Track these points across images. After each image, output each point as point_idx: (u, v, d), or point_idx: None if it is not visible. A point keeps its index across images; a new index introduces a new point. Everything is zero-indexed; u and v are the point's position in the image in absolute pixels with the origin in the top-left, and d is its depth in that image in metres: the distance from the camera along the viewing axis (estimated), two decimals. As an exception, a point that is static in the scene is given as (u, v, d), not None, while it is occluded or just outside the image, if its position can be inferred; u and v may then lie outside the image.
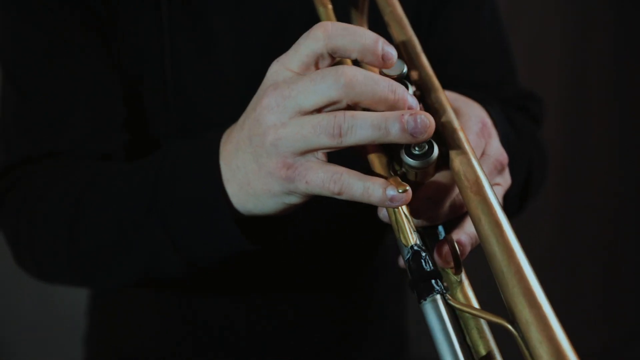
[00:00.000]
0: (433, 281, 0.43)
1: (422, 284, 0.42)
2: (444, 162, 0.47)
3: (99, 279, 0.68)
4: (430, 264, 0.44)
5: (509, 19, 0.88)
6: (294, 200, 0.49)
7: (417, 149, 0.46)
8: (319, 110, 0.46)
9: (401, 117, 0.44)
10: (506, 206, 0.55)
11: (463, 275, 0.48)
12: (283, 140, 0.46)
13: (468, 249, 0.49)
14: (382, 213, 0.49)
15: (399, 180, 0.45)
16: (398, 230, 0.45)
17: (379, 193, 0.44)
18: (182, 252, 0.58)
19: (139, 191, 0.59)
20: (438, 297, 0.42)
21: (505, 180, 0.56)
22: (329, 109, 0.46)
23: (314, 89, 0.45)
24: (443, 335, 0.41)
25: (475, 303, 0.48)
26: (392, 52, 0.47)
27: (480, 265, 0.52)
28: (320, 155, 0.47)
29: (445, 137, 0.48)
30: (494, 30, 0.85)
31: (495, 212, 0.43)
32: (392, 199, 0.44)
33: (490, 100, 0.64)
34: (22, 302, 1.59)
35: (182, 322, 0.86)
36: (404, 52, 0.54)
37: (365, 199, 0.45)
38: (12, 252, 0.73)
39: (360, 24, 0.65)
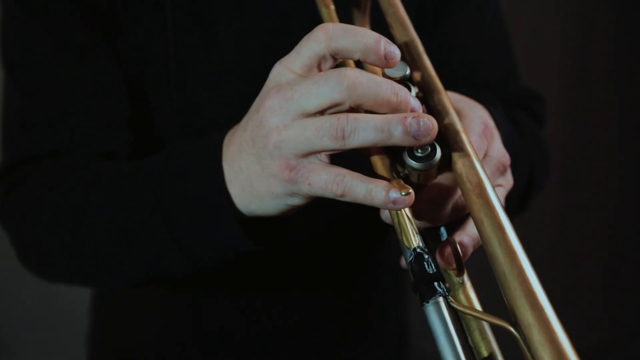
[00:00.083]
0: (435, 283, 0.43)
1: (425, 286, 0.43)
2: (446, 164, 0.47)
3: (102, 278, 0.68)
4: (433, 267, 0.44)
5: (509, 19, 0.88)
6: (296, 201, 0.49)
7: (419, 151, 0.46)
8: (321, 112, 0.46)
9: (404, 119, 0.44)
10: (508, 206, 0.55)
11: (465, 277, 0.48)
12: (286, 143, 0.46)
13: (470, 250, 0.49)
14: (385, 215, 0.49)
15: (402, 182, 0.45)
16: (400, 232, 0.46)
17: (381, 195, 0.44)
18: (185, 252, 0.58)
19: (142, 191, 0.59)
20: (440, 299, 0.42)
21: (508, 181, 0.56)
22: (331, 110, 0.46)
23: (316, 91, 0.45)
24: (445, 338, 0.41)
25: (477, 304, 0.48)
26: (395, 51, 0.46)
27: (481, 266, 0.52)
28: (323, 157, 0.47)
29: (447, 139, 0.48)
30: (497, 30, 0.85)
31: (497, 214, 0.43)
32: (394, 202, 0.44)
33: (493, 101, 0.64)
34: (24, 301, 1.59)
35: (184, 321, 0.86)
36: (407, 54, 0.54)
37: (368, 201, 0.45)
38: (16, 251, 0.73)
39: (363, 25, 0.65)
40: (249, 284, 0.84)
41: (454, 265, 0.48)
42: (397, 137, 0.44)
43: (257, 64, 0.75)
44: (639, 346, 2.26)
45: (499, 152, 0.54)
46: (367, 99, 0.45)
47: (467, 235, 0.49)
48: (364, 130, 0.44)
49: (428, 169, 0.46)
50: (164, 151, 0.60)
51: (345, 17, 0.63)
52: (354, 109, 0.47)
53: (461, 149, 0.47)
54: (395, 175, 0.47)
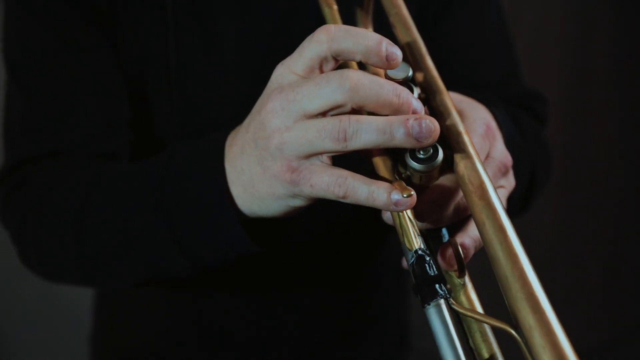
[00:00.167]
0: (437, 286, 0.43)
1: (426, 288, 0.43)
2: (448, 165, 0.47)
3: (104, 278, 0.68)
4: (435, 269, 0.44)
5: (509, 19, 0.88)
6: (298, 203, 0.49)
7: (421, 152, 0.46)
8: (323, 113, 0.46)
9: (406, 121, 0.44)
10: (510, 207, 0.55)
11: (466, 278, 0.48)
12: (288, 144, 0.46)
13: (472, 252, 0.49)
14: (386, 216, 0.49)
15: (404, 184, 0.45)
16: (402, 234, 0.46)
17: (383, 197, 0.44)
18: (186, 252, 0.58)
19: (144, 192, 0.59)
20: (442, 301, 0.42)
21: (509, 182, 0.56)
22: (333, 112, 0.46)
23: (318, 92, 0.45)
24: (446, 340, 0.41)
25: (478, 306, 0.48)
26: (397, 52, 0.46)
27: (483, 267, 0.52)
28: (325, 158, 0.47)
29: (450, 140, 0.48)
30: (499, 30, 0.85)
31: (499, 216, 0.43)
32: (396, 203, 0.44)
33: (495, 101, 0.64)
34: (25, 301, 1.59)
35: (185, 321, 0.86)
36: (409, 54, 0.54)
37: (369, 202, 0.45)
38: (18, 251, 0.73)
39: (366, 25, 0.65)
40: (250, 284, 0.84)
41: (456, 267, 0.47)
42: (399, 139, 0.44)
43: (257, 64, 0.75)
44: (639, 346, 2.26)
45: (501, 153, 0.54)
46: (369, 101, 0.45)
47: (469, 236, 0.49)
48: (366, 132, 0.44)
49: (430, 170, 0.46)
50: (166, 151, 0.60)
51: (348, 17, 0.63)
52: (356, 111, 0.46)
53: (463, 150, 0.47)
54: (397, 177, 0.47)
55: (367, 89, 0.45)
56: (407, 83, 0.50)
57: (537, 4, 2.04)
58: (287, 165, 0.46)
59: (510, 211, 0.52)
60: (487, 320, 0.42)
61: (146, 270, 0.62)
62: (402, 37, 0.55)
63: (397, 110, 0.46)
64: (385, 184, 0.45)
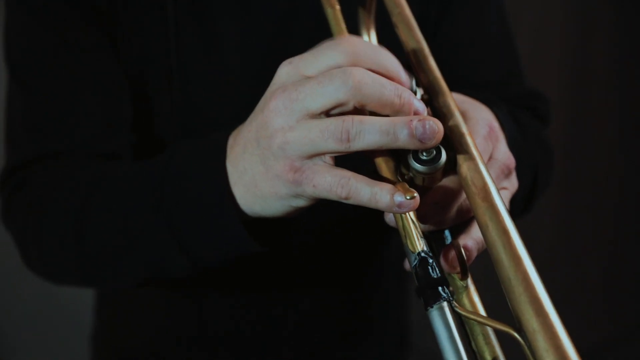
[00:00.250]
0: (440, 288, 0.42)
1: (429, 291, 0.42)
2: (451, 166, 0.47)
3: (105, 279, 0.68)
4: (437, 271, 0.43)
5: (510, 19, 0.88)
6: (301, 203, 0.49)
7: (424, 154, 0.46)
8: (327, 112, 0.46)
9: (410, 122, 0.44)
10: (512, 209, 0.55)
11: (469, 281, 0.48)
12: (291, 144, 0.45)
13: (474, 254, 0.49)
14: (389, 218, 0.49)
15: (407, 186, 0.45)
16: (405, 236, 0.45)
17: (386, 199, 0.44)
18: (188, 252, 0.57)
19: (145, 192, 0.59)
20: (445, 304, 0.42)
21: (512, 184, 0.56)
22: (336, 111, 0.46)
23: (321, 91, 0.45)
24: (449, 343, 0.41)
25: (481, 308, 0.48)
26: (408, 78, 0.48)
27: (486, 269, 0.52)
28: (328, 158, 0.47)
29: (453, 141, 0.48)
30: (500, 30, 0.85)
31: (502, 219, 0.43)
32: (399, 205, 0.44)
33: (497, 101, 0.64)
34: (27, 300, 1.59)
35: (186, 321, 0.86)
36: (412, 55, 0.53)
37: (372, 204, 0.45)
38: (20, 252, 0.73)
39: (368, 25, 0.65)
40: (250, 284, 0.84)
41: (458, 269, 0.47)
42: (403, 140, 0.44)
43: (258, 65, 0.75)
44: (639, 346, 2.26)
45: (504, 154, 0.54)
46: (371, 100, 0.45)
47: (472, 238, 0.49)
48: (369, 133, 0.44)
49: (433, 172, 0.46)
50: (167, 151, 0.60)
51: (351, 17, 0.62)
52: (358, 110, 0.46)
53: (466, 151, 0.47)
54: (399, 178, 0.47)
55: (370, 88, 0.44)
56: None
57: (537, 4, 2.03)
58: (290, 165, 0.46)
59: (512, 213, 0.52)
60: (490, 323, 0.42)
61: (147, 270, 0.62)
62: (405, 38, 0.55)
63: (398, 110, 0.46)
64: (388, 186, 0.44)
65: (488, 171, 0.46)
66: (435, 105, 0.50)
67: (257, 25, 0.75)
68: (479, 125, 0.53)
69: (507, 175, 0.54)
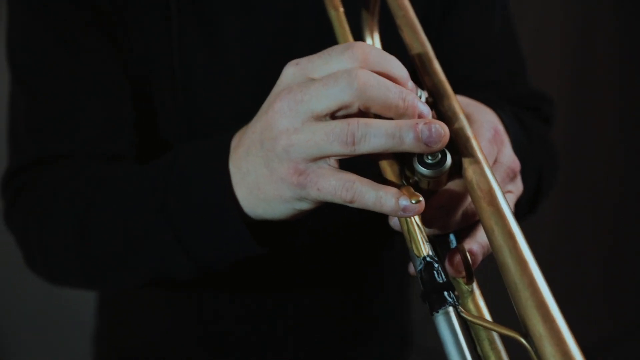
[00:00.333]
0: (445, 293, 0.42)
1: (435, 295, 0.42)
2: (456, 170, 0.47)
3: (109, 281, 0.68)
4: (443, 276, 0.43)
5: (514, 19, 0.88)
6: (305, 206, 0.49)
7: (430, 157, 0.45)
8: (332, 114, 0.45)
9: (415, 126, 0.43)
10: (517, 212, 0.55)
11: (474, 285, 0.48)
12: (295, 147, 0.45)
13: (480, 258, 0.49)
14: (394, 222, 0.49)
15: (412, 190, 0.44)
16: (410, 240, 0.45)
17: (391, 203, 0.44)
18: (191, 254, 0.57)
19: (148, 194, 0.58)
20: (450, 309, 0.42)
21: (517, 187, 0.56)
22: (341, 113, 0.45)
23: (326, 92, 0.44)
24: (455, 348, 0.41)
25: (486, 313, 0.47)
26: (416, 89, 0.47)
27: (492, 273, 0.52)
28: (333, 161, 0.46)
29: (458, 145, 0.47)
30: (505, 30, 0.85)
31: (508, 222, 0.42)
32: (404, 209, 0.44)
33: (501, 103, 0.64)
34: (28, 300, 1.58)
35: (188, 321, 0.86)
36: (417, 58, 0.53)
37: (377, 208, 0.45)
38: (23, 253, 0.73)
39: (371, 27, 0.64)
40: (251, 285, 0.83)
41: (464, 274, 0.47)
42: (408, 143, 0.44)
43: (261, 64, 0.74)
44: (639, 344, 2.26)
45: (509, 158, 0.54)
46: (376, 102, 0.44)
47: (477, 242, 0.49)
48: (375, 136, 0.44)
49: (438, 175, 0.46)
50: (170, 152, 0.60)
51: (354, 19, 0.62)
52: (363, 113, 0.46)
53: (472, 155, 0.46)
54: (404, 181, 0.47)
55: (375, 90, 0.44)
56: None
57: (537, 4, 2.03)
58: (294, 167, 0.46)
59: (517, 215, 0.52)
60: (497, 329, 0.42)
61: (150, 272, 0.62)
62: (409, 41, 0.54)
63: (402, 114, 0.45)
64: (394, 190, 0.44)
65: (494, 175, 0.46)
66: (440, 109, 0.50)
67: (259, 25, 0.75)
68: (484, 128, 0.52)
69: (512, 178, 0.54)
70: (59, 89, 0.72)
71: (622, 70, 2.21)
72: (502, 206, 0.43)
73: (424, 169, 0.45)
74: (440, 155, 0.46)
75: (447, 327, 0.41)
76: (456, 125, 0.48)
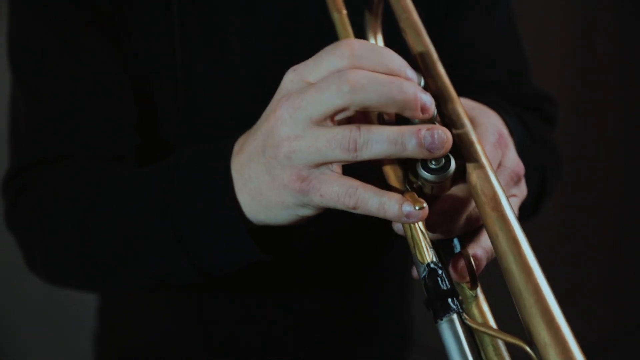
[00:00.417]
0: (449, 300, 0.42)
1: (439, 303, 0.42)
2: (460, 175, 0.46)
3: (109, 284, 0.67)
4: (447, 282, 0.43)
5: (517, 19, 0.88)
6: (307, 212, 0.48)
7: (433, 162, 0.45)
8: (331, 118, 0.45)
9: (418, 132, 0.43)
10: (521, 214, 0.54)
11: (479, 290, 0.47)
12: (297, 153, 0.45)
13: (484, 263, 0.48)
14: (397, 226, 0.48)
15: (416, 196, 0.44)
16: (414, 246, 0.45)
17: (395, 209, 0.43)
18: (193, 260, 0.57)
19: (150, 198, 0.58)
20: (454, 316, 0.41)
21: (521, 191, 0.55)
22: (340, 116, 0.45)
23: (320, 98, 0.44)
24: (459, 356, 0.40)
25: (490, 318, 0.47)
26: (417, 78, 0.46)
27: (497, 277, 0.51)
28: (335, 167, 0.46)
29: (462, 149, 0.47)
30: (508, 30, 0.84)
31: (512, 228, 0.42)
32: (408, 216, 0.43)
33: (505, 104, 0.64)
34: (29, 300, 1.58)
35: (189, 322, 0.85)
36: (420, 61, 0.53)
37: (380, 214, 0.44)
38: (23, 255, 0.72)
39: (375, 28, 0.64)
40: (252, 285, 0.83)
41: (468, 279, 0.47)
42: (411, 149, 0.43)
43: (262, 65, 0.74)
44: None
45: (513, 161, 0.53)
46: (371, 101, 0.44)
47: (481, 247, 0.48)
48: (377, 143, 0.43)
49: (442, 180, 0.45)
50: (173, 157, 0.59)
51: (358, 21, 0.62)
52: (365, 113, 0.46)
53: (476, 160, 0.46)
54: (408, 186, 0.46)
55: (367, 90, 0.43)
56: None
57: (537, 3, 2.03)
58: (297, 174, 0.46)
59: (521, 218, 0.51)
60: (501, 336, 0.41)
61: (152, 276, 0.62)
62: (413, 44, 0.54)
63: (403, 107, 0.44)
64: (397, 196, 0.44)
65: (498, 180, 0.45)
66: (444, 112, 0.50)
67: (260, 25, 0.74)
68: (488, 132, 0.52)
69: (516, 182, 0.53)
70: (59, 89, 0.71)
71: (623, 70, 2.21)
72: (507, 212, 0.43)
73: (427, 174, 0.45)
74: (444, 160, 0.45)
75: (451, 334, 0.41)
76: (460, 129, 0.48)
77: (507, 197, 0.44)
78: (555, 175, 0.79)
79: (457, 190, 0.48)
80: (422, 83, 0.49)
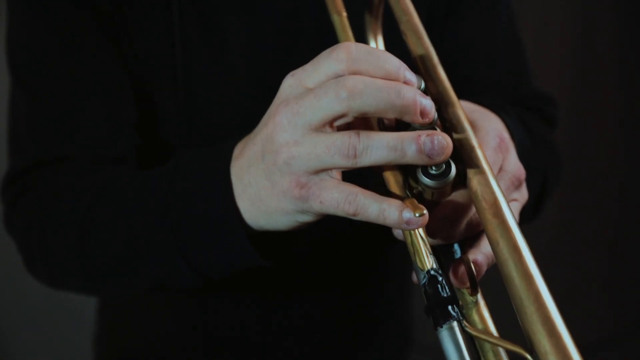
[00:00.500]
0: (449, 307, 0.42)
1: (439, 310, 0.41)
2: (461, 180, 0.46)
3: (111, 288, 0.67)
4: (447, 289, 0.43)
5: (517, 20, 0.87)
6: (307, 218, 0.48)
7: (434, 168, 0.45)
8: (330, 124, 0.45)
9: (418, 138, 0.43)
10: (521, 218, 0.54)
11: (479, 296, 0.47)
12: (296, 159, 0.44)
13: (484, 269, 0.48)
14: (397, 232, 0.48)
15: (416, 202, 0.44)
16: (414, 252, 0.44)
17: (394, 216, 0.43)
18: (193, 264, 0.57)
19: (150, 203, 0.58)
20: (455, 324, 0.41)
21: (522, 195, 0.55)
22: (340, 121, 0.45)
23: (319, 104, 0.43)
24: (459, 364, 0.40)
25: (491, 324, 0.47)
26: (417, 81, 0.46)
27: (497, 283, 0.51)
28: (335, 173, 0.46)
29: (462, 154, 0.47)
30: (509, 30, 0.84)
31: (513, 235, 0.42)
32: (408, 222, 0.43)
33: (505, 106, 0.63)
34: (29, 300, 1.58)
35: (189, 324, 0.85)
36: (421, 65, 0.52)
37: (380, 221, 0.44)
38: (23, 257, 0.72)
39: (375, 31, 0.64)
40: (253, 286, 0.83)
41: (468, 285, 0.46)
42: (411, 156, 0.43)
43: (263, 65, 0.74)
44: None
45: (514, 166, 0.53)
46: (369, 107, 0.43)
47: (481, 253, 0.48)
48: (377, 149, 0.43)
49: (442, 186, 0.45)
50: (173, 161, 0.59)
51: (358, 23, 0.61)
52: (365, 119, 0.45)
53: (476, 165, 0.46)
54: (408, 192, 0.46)
55: (365, 95, 0.43)
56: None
57: (537, 4, 2.03)
58: (296, 180, 0.45)
59: (521, 221, 0.51)
60: (501, 344, 0.41)
61: (151, 280, 0.62)
62: (414, 47, 0.53)
63: (403, 112, 0.44)
64: (397, 202, 0.44)
65: (499, 185, 0.45)
66: (444, 117, 0.49)
67: (260, 25, 0.74)
68: (489, 136, 0.52)
69: (517, 186, 0.53)
70: (59, 90, 0.71)
71: (623, 70, 2.21)
72: (507, 218, 0.43)
73: (427, 179, 0.45)
74: (444, 166, 0.45)
75: (452, 342, 0.41)
76: (461, 134, 0.48)
77: (508, 203, 0.44)
78: (555, 176, 0.79)
79: (457, 195, 0.48)
80: (423, 86, 0.48)
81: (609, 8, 2.14)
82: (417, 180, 0.46)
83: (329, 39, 0.56)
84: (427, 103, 0.44)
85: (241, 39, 0.74)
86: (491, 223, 0.43)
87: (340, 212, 0.45)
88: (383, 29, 0.65)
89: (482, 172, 0.45)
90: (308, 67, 0.46)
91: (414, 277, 0.46)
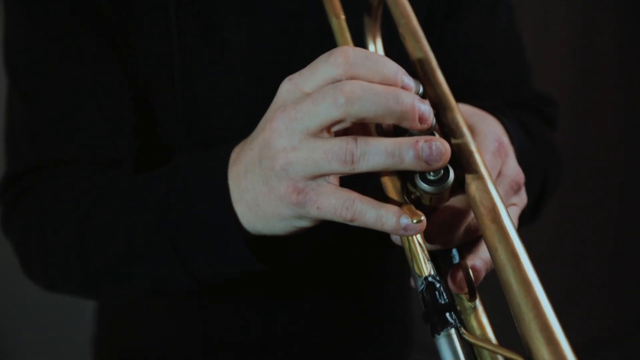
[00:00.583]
0: (447, 314, 0.41)
1: (436, 317, 0.41)
2: (459, 185, 0.46)
3: (109, 291, 0.67)
4: (445, 296, 0.42)
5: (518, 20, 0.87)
6: (304, 224, 0.48)
7: (432, 174, 0.44)
8: (328, 129, 0.44)
9: (415, 144, 0.42)
10: (521, 222, 0.54)
11: (477, 302, 0.47)
12: (294, 165, 0.44)
13: (483, 274, 0.48)
14: (395, 238, 0.48)
15: (414, 208, 0.43)
16: (411, 258, 0.44)
17: (392, 222, 0.43)
18: (191, 269, 0.57)
19: (149, 208, 0.58)
20: (452, 331, 0.41)
21: (522, 199, 0.54)
22: (337, 127, 0.45)
23: (316, 110, 0.43)
24: (457, 371, 0.40)
25: (489, 330, 0.46)
26: (415, 86, 0.46)
27: (496, 288, 0.51)
28: (332, 179, 0.46)
29: (461, 159, 0.46)
30: (509, 31, 0.84)
31: (512, 241, 0.42)
32: (405, 228, 0.43)
33: (504, 108, 0.63)
34: (27, 300, 1.58)
35: (189, 325, 0.85)
36: (420, 68, 0.52)
37: (378, 227, 0.44)
38: (20, 261, 0.72)
39: (373, 33, 0.63)
40: (253, 287, 0.83)
41: (466, 290, 0.46)
42: (409, 162, 0.43)
43: (262, 66, 0.74)
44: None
45: (513, 170, 0.53)
46: (367, 113, 0.43)
47: (480, 258, 0.48)
48: (374, 155, 0.43)
49: (440, 192, 0.45)
50: (171, 165, 0.59)
51: (356, 26, 0.61)
52: (363, 125, 0.45)
53: (475, 170, 0.45)
54: (406, 197, 0.46)
55: (363, 101, 0.42)
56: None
57: (537, 4, 2.02)
58: (293, 186, 0.45)
59: (521, 223, 0.51)
60: (500, 351, 0.41)
61: (148, 284, 0.62)
62: (412, 50, 0.53)
63: (401, 118, 0.43)
64: (395, 208, 0.43)
65: (497, 191, 0.44)
66: (442, 121, 0.49)
67: (260, 26, 0.74)
68: (488, 140, 0.51)
69: (516, 191, 0.53)
70: (57, 92, 0.71)
71: (623, 70, 2.20)
72: (506, 224, 0.42)
73: (426, 185, 0.45)
74: (442, 172, 0.45)
75: (449, 349, 0.40)
76: (459, 139, 0.47)
77: (507, 209, 0.44)
78: (556, 176, 0.79)
79: (456, 201, 0.48)
80: (421, 90, 0.48)
81: (609, 8, 2.14)
82: (415, 186, 0.45)
83: (329, 40, 0.55)
84: (426, 109, 0.44)
85: (241, 39, 0.73)
86: (489, 229, 0.43)
87: (337, 217, 0.45)
88: (382, 31, 0.65)
89: (480, 177, 0.45)
90: (305, 71, 0.45)
91: (412, 283, 0.46)
